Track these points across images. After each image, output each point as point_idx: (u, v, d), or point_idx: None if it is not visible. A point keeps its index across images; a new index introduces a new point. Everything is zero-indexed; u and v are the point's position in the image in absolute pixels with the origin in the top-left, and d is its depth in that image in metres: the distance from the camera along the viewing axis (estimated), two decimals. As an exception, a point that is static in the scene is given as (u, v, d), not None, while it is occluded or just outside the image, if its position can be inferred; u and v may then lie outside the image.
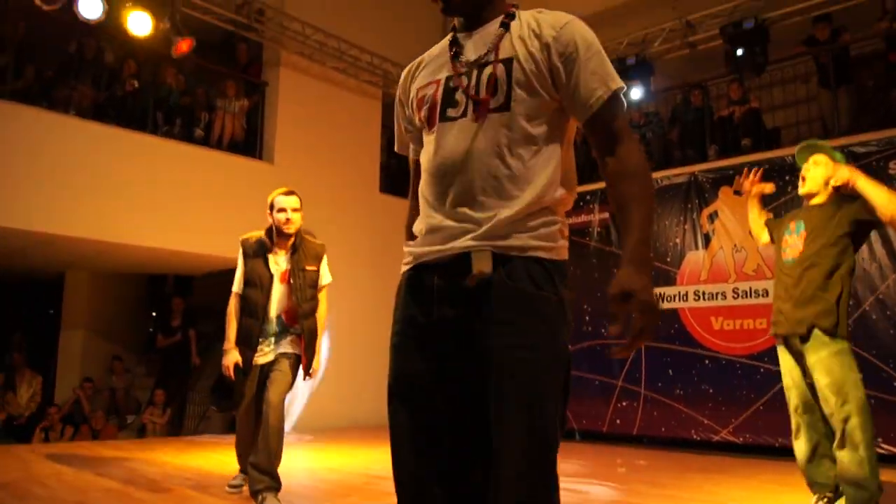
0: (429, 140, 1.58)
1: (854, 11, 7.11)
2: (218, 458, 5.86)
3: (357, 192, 9.03)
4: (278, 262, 4.07)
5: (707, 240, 7.30)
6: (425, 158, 1.58)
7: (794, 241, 3.54)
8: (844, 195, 3.45)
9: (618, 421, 7.58)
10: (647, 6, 8.28)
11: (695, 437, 6.97)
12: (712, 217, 7.28)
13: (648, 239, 1.43)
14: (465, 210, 1.48)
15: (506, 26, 1.55)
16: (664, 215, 7.67)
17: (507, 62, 1.50)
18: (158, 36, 6.75)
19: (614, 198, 1.50)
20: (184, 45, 6.74)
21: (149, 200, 7.08)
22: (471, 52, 1.57)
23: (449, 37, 1.64)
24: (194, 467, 5.31)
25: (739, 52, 7.15)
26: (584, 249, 7.99)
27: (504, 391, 1.38)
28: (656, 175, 7.86)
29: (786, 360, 3.53)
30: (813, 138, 7.25)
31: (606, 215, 8.04)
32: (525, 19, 1.55)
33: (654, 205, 1.50)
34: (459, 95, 1.53)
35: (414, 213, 1.69)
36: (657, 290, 7.47)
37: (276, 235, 4.06)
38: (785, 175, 6.89)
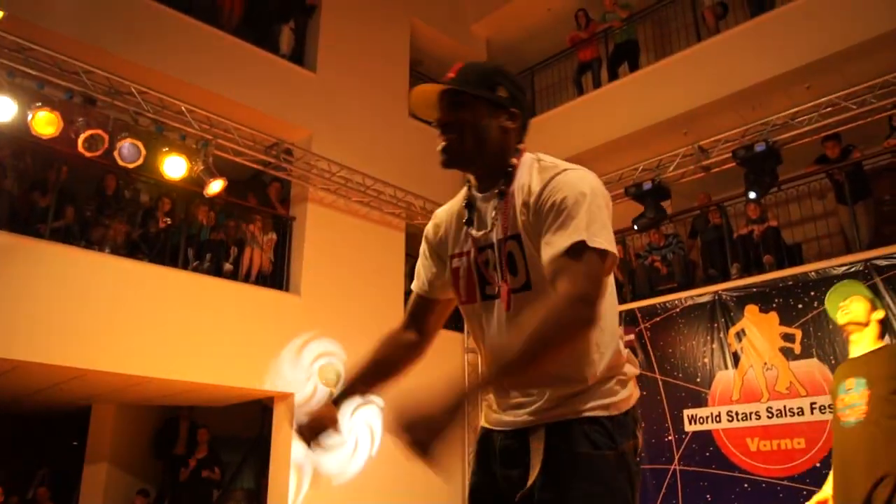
0: (474, 315, 1.69)
1: (862, 128, 7.31)
2: None
3: (381, 322, 9.02)
4: None
5: (736, 359, 7.21)
6: (479, 335, 1.70)
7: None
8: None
9: (657, 552, 7.24)
10: (659, 133, 8.56)
11: (740, 567, 6.63)
12: (740, 336, 7.22)
13: (497, 377, 1.45)
14: (518, 389, 1.60)
15: (502, 194, 1.61)
16: (690, 335, 7.62)
17: (517, 238, 1.57)
18: (192, 177, 7.08)
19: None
20: (215, 186, 7.06)
21: (178, 334, 7.18)
22: (486, 218, 1.64)
23: (464, 193, 1.72)
24: None
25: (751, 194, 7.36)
26: (611, 371, 7.88)
27: None
28: (680, 295, 7.90)
29: None
30: (834, 254, 7.34)
31: (632, 336, 7.99)
32: (522, 178, 1.60)
33: (539, 354, 1.40)
34: (491, 273, 1.62)
35: (400, 332, 1.87)
36: (689, 412, 7.35)
37: None
38: (810, 291, 6.89)
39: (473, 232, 1.65)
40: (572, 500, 1.47)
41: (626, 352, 1.63)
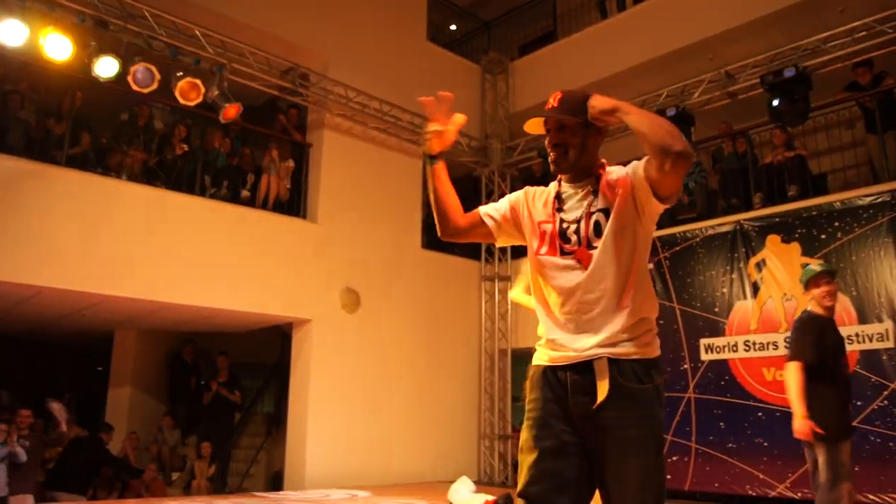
0: (550, 264, 2.23)
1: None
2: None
3: (400, 249, 9.11)
4: None
5: (756, 289, 7.16)
6: (553, 282, 2.22)
7: None
8: None
9: (669, 476, 7.36)
10: (684, 58, 8.32)
11: (750, 492, 6.74)
12: (760, 266, 7.15)
13: (636, 111, 2.09)
14: (586, 323, 2.14)
15: (595, 192, 2.22)
16: (710, 265, 7.56)
17: (605, 211, 2.17)
18: (206, 102, 6.99)
19: None
20: (231, 111, 6.97)
21: (197, 260, 7.23)
22: (573, 199, 2.25)
23: (557, 186, 2.32)
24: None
25: (775, 102, 7.09)
26: (629, 301, 7.90)
27: (623, 456, 2.05)
28: (701, 225, 7.81)
29: None
30: (861, 184, 7.18)
31: (651, 266, 7.96)
32: (608, 178, 2.22)
33: (658, 127, 2.04)
34: (571, 234, 2.21)
35: (465, 213, 2.44)
36: (706, 341, 7.37)
37: None
38: (834, 221, 6.78)
39: (562, 211, 2.26)
40: (627, 420, 2.05)
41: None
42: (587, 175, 2.25)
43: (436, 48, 10.38)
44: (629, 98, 8.44)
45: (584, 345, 2.12)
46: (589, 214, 2.19)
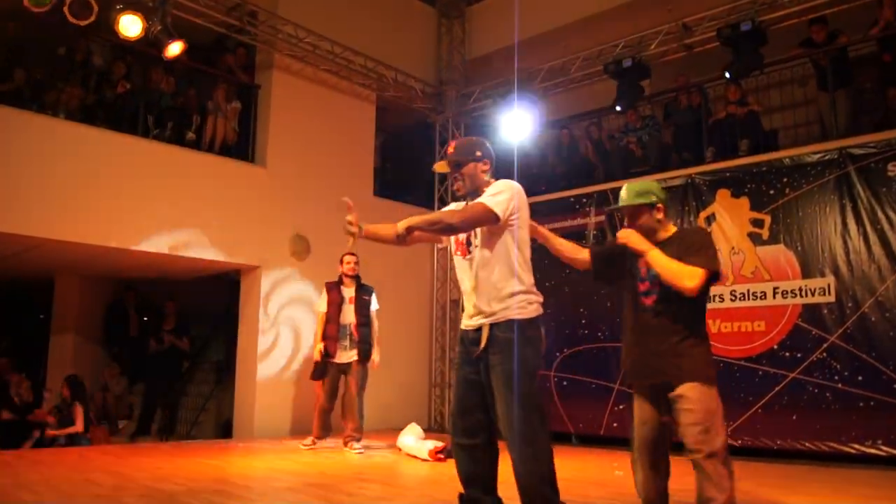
0: (458, 263, 3.24)
1: (851, 13, 7.08)
2: (210, 463, 5.78)
3: (351, 196, 8.85)
4: (347, 292, 6.80)
5: (704, 242, 7.22)
6: (460, 274, 3.25)
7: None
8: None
9: (615, 424, 7.52)
10: (641, 9, 8.24)
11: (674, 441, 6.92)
12: (709, 220, 7.23)
13: (415, 222, 3.02)
14: (478, 303, 3.11)
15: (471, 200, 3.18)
16: (660, 218, 7.60)
17: None
18: (149, 38, 6.66)
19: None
20: (175, 48, 6.65)
21: (139, 204, 7.00)
22: None
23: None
24: (186, 472, 5.21)
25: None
26: (580, 253, 7.92)
27: (501, 383, 2.98)
28: (653, 178, 7.83)
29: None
30: (811, 142, 7.26)
31: (602, 218, 7.98)
32: (483, 193, 3.11)
33: (440, 224, 3.05)
34: (472, 238, 3.16)
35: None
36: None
37: (344, 277, 6.91)
38: (783, 177, 6.87)
39: None
40: (502, 359, 2.97)
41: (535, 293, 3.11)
42: (475, 195, 3.14)
43: (391, -11, 10.10)
44: (587, 48, 8.39)
45: (476, 315, 3.10)
46: None
